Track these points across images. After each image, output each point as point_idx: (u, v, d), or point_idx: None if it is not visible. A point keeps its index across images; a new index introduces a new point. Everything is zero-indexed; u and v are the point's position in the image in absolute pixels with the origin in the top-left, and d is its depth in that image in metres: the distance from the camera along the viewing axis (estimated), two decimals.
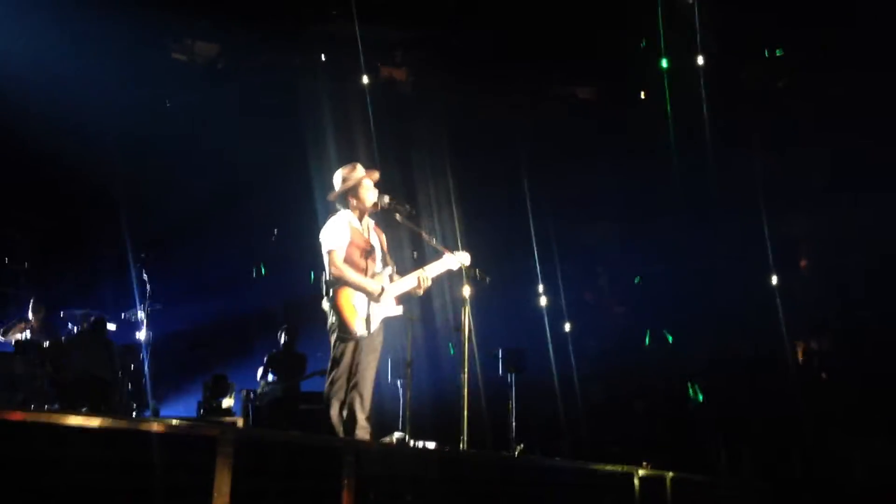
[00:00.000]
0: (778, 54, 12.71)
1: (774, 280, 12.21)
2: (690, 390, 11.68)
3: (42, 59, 10.11)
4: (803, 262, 14.29)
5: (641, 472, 7.25)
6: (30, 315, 9.40)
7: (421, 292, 6.03)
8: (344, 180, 5.94)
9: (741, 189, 12.07)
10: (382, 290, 5.80)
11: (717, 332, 12.00)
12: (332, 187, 6.03)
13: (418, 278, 5.95)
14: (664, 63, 12.30)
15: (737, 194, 12.14)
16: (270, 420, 9.62)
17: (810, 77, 12.27)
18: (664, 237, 12.99)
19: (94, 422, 3.40)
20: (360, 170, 5.98)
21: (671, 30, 11.82)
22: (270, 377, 10.10)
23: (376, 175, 6.03)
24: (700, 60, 11.90)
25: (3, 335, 9.28)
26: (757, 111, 12.22)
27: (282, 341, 10.40)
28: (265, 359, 10.37)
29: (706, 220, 12.64)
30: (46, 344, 9.05)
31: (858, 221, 11.75)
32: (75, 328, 9.85)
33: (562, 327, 12.63)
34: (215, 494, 3.59)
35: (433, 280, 6.05)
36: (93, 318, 9.54)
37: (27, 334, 9.40)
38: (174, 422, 4.41)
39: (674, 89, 12.37)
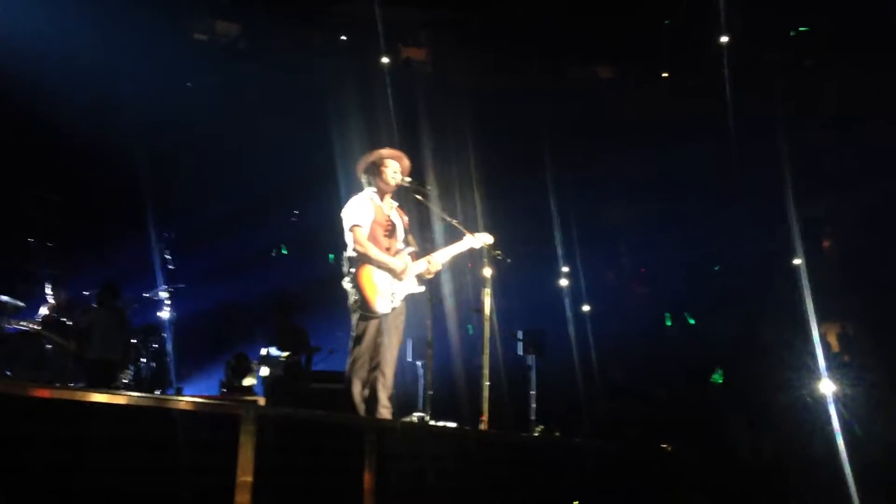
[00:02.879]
0: (802, 31, 12.54)
1: (798, 262, 12.10)
2: (712, 373, 11.63)
3: (64, 39, 10.15)
4: (826, 244, 14.16)
5: (660, 454, 7.25)
6: (50, 299, 9.43)
7: (429, 276, 6.04)
8: (370, 155, 6.00)
9: (765, 170, 11.96)
10: (406, 266, 5.83)
11: (739, 314, 11.94)
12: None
13: (428, 262, 5.97)
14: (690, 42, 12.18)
15: (761, 175, 12.03)
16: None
17: (836, 55, 12.10)
18: (687, 219, 12.91)
19: (120, 399, 3.44)
20: (388, 150, 6.03)
21: (696, 8, 11.67)
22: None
23: (406, 161, 6.05)
24: (724, 39, 11.76)
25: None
26: (782, 91, 12.08)
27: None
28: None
29: (730, 201, 12.54)
30: (71, 323, 9.12)
31: (884, 203, 11.61)
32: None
33: (583, 309, 12.60)
34: (239, 471, 3.63)
35: (443, 265, 6.08)
36: (104, 287, 9.53)
37: (50, 312, 9.43)
38: (198, 400, 4.46)
39: (698, 68, 12.26)
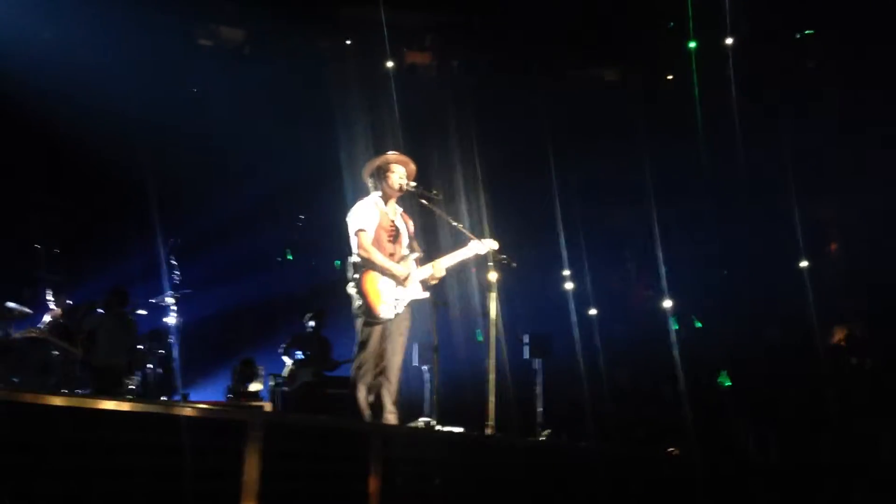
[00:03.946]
0: (808, 34, 12.52)
1: (804, 264, 12.08)
2: (719, 375, 11.60)
3: (67, 44, 10.18)
4: (833, 246, 14.12)
5: (668, 457, 7.23)
6: (52, 305, 9.44)
7: (432, 283, 6.03)
8: (376, 160, 6.00)
9: (771, 172, 11.93)
10: (409, 273, 5.82)
11: (746, 316, 11.90)
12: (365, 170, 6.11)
13: (432, 267, 5.97)
14: (692, 44, 12.16)
15: (766, 177, 12.01)
16: (302, 404, 9.71)
17: (841, 57, 12.07)
18: (692, 221, 12.88)
19: (126, 406, 3.45)
20: (394, 154, 6.02)
21: (700, 10, 11.66)
22: (298, 358, 10.21)
23: (412, 166, 6.04)
24: (729, 41, 11.75)
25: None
26: (786, 92, 12.05)
27: (310, 325, 10.49)
28: (291, 338, 10.50)
29: (735, 203, 12.51)
30: (74, 328, 9.12)
31: (891, 204, 11.57)
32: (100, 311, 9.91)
33: (588, 312, 12.59)
34: (245, 477, 3.63)
35: (448, 270, 6.07)
36: (111, 292, 9.52)
37: (55, 319, 9.42)
38: (204, 406, 4.47)
39: (702, 71, 12.23)
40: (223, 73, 12.00)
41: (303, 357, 10.27)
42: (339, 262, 10.73)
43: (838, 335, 11.99)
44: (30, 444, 3.11)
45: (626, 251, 14.62)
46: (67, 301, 9.51)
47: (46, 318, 9.15)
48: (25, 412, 3.14)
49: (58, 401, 3.31)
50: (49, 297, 9.32)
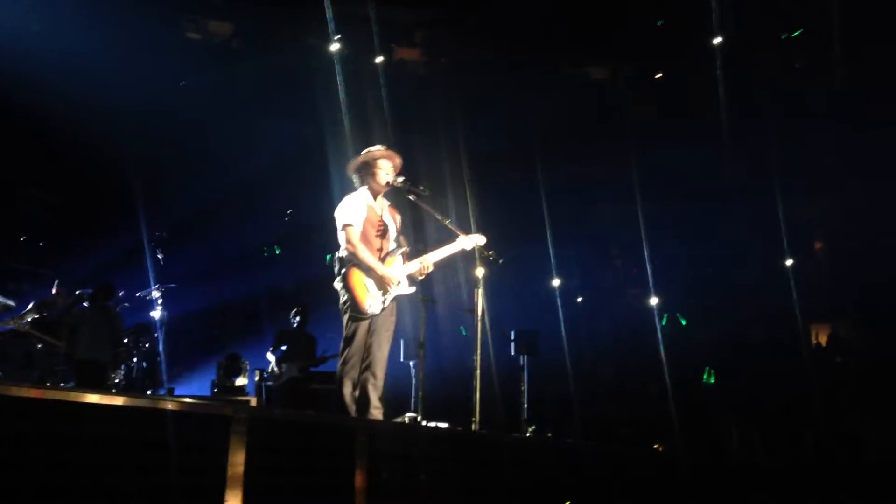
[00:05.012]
0: (795, 35, 12.58)
1: (789, 263, 12.15)
2: (704, 373, 11.66)
3: (57, 38, 10.11)
4: (818, 246, 14.22)
5: (653, 454, 7.25)
6: (54, 292, 9.38)
7: (420, 277, 6.01)
8: (361, 156, 5.97)
9: (757, 171, 11.99)
10: (391, 278, 5.77)
11: (731, 314, 11.96)
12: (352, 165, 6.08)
13: (420, 264, 5.95)
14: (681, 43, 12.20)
15: (752, 177, 12.07)
16: (287, 399, 9.70)
17: (828, 58, 12.14)
18: (679, 220, 12.93)
19: (110, 399, 3.43)
20: (379, 149, 5.99)
21: (689, 9, 11.69)
22: (283, 353, 10.19)
23: (398, 160, 6.01)
24: (717, 41, 11.79)
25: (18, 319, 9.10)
26: (773, 92, 12.11)
27: (295, 321, 10.46)
28: (276, 333, 10.47)
29: (721, 202, 12.57)
30: (56, 320, 9.07)
31: (875, 204, 11.65)
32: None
33: (575, 310, 12.62)
34: (229, 472, 3.61)
35: (436, 265, 6.04)
36: (98, 286, 9.45)
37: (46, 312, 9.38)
38: (189, 400, 4.44)
39: (691, 70, 12.28)
40: (212, 67, 11.95)
41: (286, 350, 10.23)
42: (329, 257, 10.71)
43: (820, 335, 12.09)
44: (12, 437, 3.09)
45: (614, 249, 14.67)
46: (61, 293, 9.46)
47: (31, 305, 9.11)
48: (7, 405, 3.11)
49: (41, 394, 3.29)
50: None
